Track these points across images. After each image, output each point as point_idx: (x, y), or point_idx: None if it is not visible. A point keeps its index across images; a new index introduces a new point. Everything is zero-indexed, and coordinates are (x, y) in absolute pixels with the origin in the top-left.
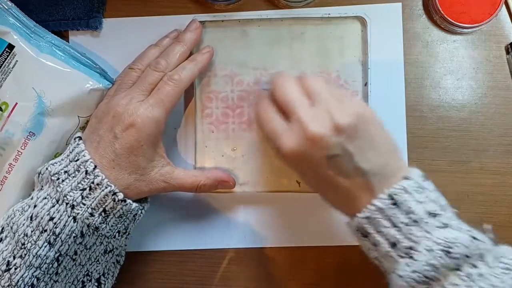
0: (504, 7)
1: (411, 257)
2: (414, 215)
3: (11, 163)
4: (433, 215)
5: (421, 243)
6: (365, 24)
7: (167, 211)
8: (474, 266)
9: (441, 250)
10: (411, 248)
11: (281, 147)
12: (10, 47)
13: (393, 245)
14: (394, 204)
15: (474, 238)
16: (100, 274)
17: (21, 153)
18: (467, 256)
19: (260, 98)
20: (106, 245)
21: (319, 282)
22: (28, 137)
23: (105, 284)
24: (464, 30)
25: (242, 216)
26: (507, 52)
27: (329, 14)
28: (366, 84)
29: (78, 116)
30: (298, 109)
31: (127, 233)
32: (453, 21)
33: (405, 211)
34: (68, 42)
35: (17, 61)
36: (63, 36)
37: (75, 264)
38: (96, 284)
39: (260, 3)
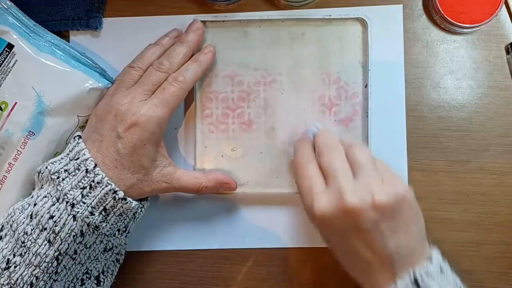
0: (504, 7)
1: None
2: None
3: (10, 163)
4: None
5: None
6: (366, 25)
7: (167, 211)
8: None
9: None
10: None
11: (314, 207)
12: (10, 46)
13: None
14: (417, 285)
15: None
16: (100, 272)
17: (21, 152)
18: None
19: (303, 146)
20: (106, 244)
21: (319, 283)
22: (28, 136)
23: (104, 282)
24: (464, 30)
25: (242, 217)
26: (507, 52)
27: (329, 15)
28: (366, 86)
29: (78, 116)
30: (341, 178)
31: (127, 232)
32: (453, 21)
33: None
34: (69, 42)
35: (16, 60)
36: (64, 36)
37: (74, 263)
38: (95, 281)
39: (260, 3)
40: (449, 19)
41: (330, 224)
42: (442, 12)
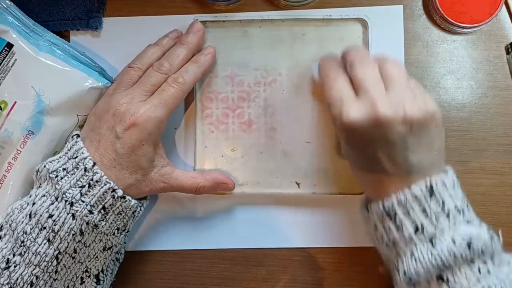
0: (504, 7)
1: (432, 244)
2: (445, 207)
3: (10, 162)
4: (460, 211)
5: (445, 233)
6: (366, 26)
7: (167, 211)
8: (485, 262)
9: (464, 242)
10: (434, 235)
11: (343, 114)
12: (9, 45)
13: (417, 229)
14: (430, 193)
15: (492, 237)
16: (99, 271)
17: (20, 152)
18: (482, 252)
19: (329, 61)
20: (105, 242)
21: (319, 283)
22: (27, 136)
23: (104, 281)
24: (464, 30)
25: (242, 217)
26: (507, 52)
27: (330, 15)
28: None
29: (77, 115)
30: (373, 89)
31: (126, 230)
32: (453, 21)
33: (438, 202)
34: (69, 42)
35: (16, 59)
36: (64, 36)
37: (74, 262)
38: (95, 280)
39: (260, 3)
40: (449, 19)
41: (357, 132)
42: (442, 12)
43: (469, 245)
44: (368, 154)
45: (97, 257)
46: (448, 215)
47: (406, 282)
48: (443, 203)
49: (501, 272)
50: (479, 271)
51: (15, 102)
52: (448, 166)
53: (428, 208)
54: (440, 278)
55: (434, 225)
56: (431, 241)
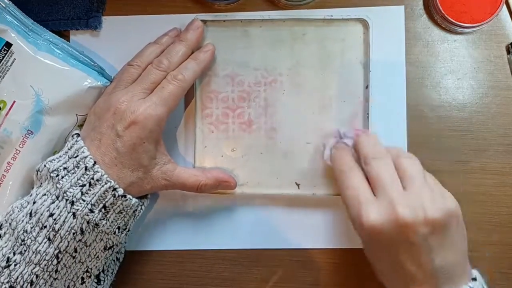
0: (504, 7)
1: None
2: None
3: (9, 162)
4: None
5: None
6: (367, 26)
7: (167, 211)
8: None
9: None
10: None
11: (363, 217)
12: (8, 45)
13: None
14: None
15: None
16: (100, 271)
17: (20, 151)
18: None
19: (342, 153)
20: (106, 242)
21: (318, 284)
22: (26, 135)
23: (104, 281)
24: (465, 29)
25: (242, 217)
26: (508, 52)
27: (331, 15)
28: (367, 87)
29: (76, 114)
30: (391, 189)
31: (127, 230)
32: (453, 21)
33: None
34: (69, 42)
35: (15, 59)
36: (64, 36)
37: (75, 261)
38: (95, 280)
39: (260, 3)
40: (450, 19)
41: (378, 235)
42: (442, 11)
43: None
44: (390, 257)
45: (98, 256)
46: None
47: None
48: None
49: None
50: None
51: (14, 102)
52: (474, 270)
53: None
54: None
55: None
56: None
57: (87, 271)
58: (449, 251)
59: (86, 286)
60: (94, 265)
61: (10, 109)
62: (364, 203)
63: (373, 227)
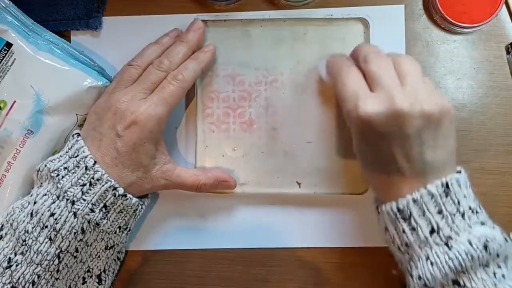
0: (504, 7)
1: (448, 246)
2: (460, 207)
3: (9, 161)
4: (474, 211)
5: (461, 234)
6: (368, 25)
7: (167, 211)
8: (499, 266)
9: (480, 243)
10: (450, 237)
11: (361, 107)
12: (8, 45)
13: (433, 231)
14: (446, 193)
15: (506, 239)
16: (101, 271)
17: (20, 151)
18: (497, 255)
19: (340, 58)
20: (107, 241)
21: (319, 283)
22: (27, 135)
23: (105, 281)
24: (465, 30)
25: (242, 217)
26: (508, 52)
27: (331, 15)
28: None
29: (76, 114)
30: (389, 83)
31: (127, 229)
32: (453, 21)
33: (453, 202)
34: (69, 42)
35: (15, 59)
36: (64, 36)
37: (76, 261)
38: (97, 280)
39: (260, 3)
40: (450, 19)
41: (373, 126)
42: (442, 12)
43: (485, 247)
44: (382, 151)
45: (99, 256)
46: (463, 216)
47: (421, 287)
48: (459, 203)
49: None
50: (495, 275)
51: (15, 102)
52: (460, 167)
53: (444, 208)
54: (456, 283)
55: (450, 226)
56: (446, 243)
57: (88, 271)
58: (440, 148)
59: (87, 286)
60: (95, 265)
61: (10, 109)
62: (362, 96)
63: (370, 116)
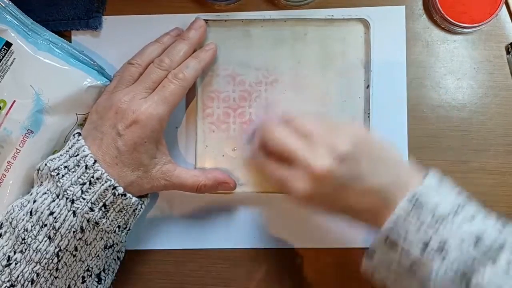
0: (504, 7)
1: (443, 257)
2: (439, 212)
3: (9, 161)
4: (456, 210)
5: (451, 239)
6: (368, 26)
7: (167, 210)
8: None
9: (472, 242)
10: (442, 247)
11: (293, 193)
12: (8, 44)
13: (424, 247)
14: (418, 205)
15: (503, 226)
16: (101, 270)
17: (20, 151)
18: (500, 247)
19: (253, 154)
20: (107, 240)
21: (319, 283)
22: (26, 134)
23: (105, 280)
24: (465, 30)
25: (242, 217)
26: (507, 52)
27: (332, 15)
28: (368, 87)
29: (76, 114)
30: (297, 152)
31: (127, 228)
32: (453, 21)
33: (430, 210)
34: (70, 42)
35: (14, 58)
36: (65, 36)
37: (75, 260)
38: (96, 279)
39: (260, 3)
40: (450, 19)
41: (314, 197)
42: (442, 12)
43: (478, 243)
44: (338, 206)
45: (98, 255)
46: (446, 219)
47: None
48: (436, 208)
49: None
50: (507, 266)
51: (14, 101)
52: (430, 169)
53: (423, 219)
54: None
55: (438, 235)
56: (441, 255)
57: (87, 270)
58: (381, 169)
59: (87, 285)
60: (94, 264)
61: (10, 108)
62: (287, 181)
63: (305, 195)
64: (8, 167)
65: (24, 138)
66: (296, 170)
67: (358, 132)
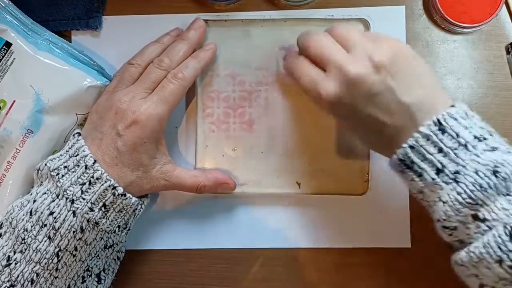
0: (504, 7)
1: (456, 182)
2: (461, 139)
3: (9, 161)
4: (480, 139)
5: (468, 166)
6: (368, 26)
7: (167, 210)
8: None
9: (488, 170)
10: (457, 172)
11: (322, 94)
12: (8, 44)
13: (439, 171)
14: (441, 130)
15: None
16: (101, 270)
17: (19, 150)
18: None
19: (289, 54)
20: (106, 240)
21: (319, 283)
22: (26, 134)
23: (105, 280)
24: (465, 30)
25: (242, 217)
26: (507, 52)
27: (332, 15)
28: None
29: (76, 114)
30: (335, 55)
31: (127, 229)
32: (453, 21)
33: (452, 136)
34: (70, 42)
35: (14, 58)
36: (65, 36)
37: (75, 260)
38: (96, 279)
39: (260, 3)
40: (450, 19)
41: (343, 103)
42: (442, 12)
43: (495, 172)
44: (363, 118)
45: (98, 256)
46: (466, 147)
47: (443, 231)
48: (457, 135)
49: None
50: None
51: (14, 101)
52: (458, 102)
53: (442, 145)
54: (475, 217)
55: (455, 162)
56: (455, 179)
57: (87, 270)
58: (414, 86)
59: (87, 285)
60: (94, 264)
61: (10, 108)
62: (318, 81)
63: (334, 98)
64: (8, 167)
65: (24, 138)
66: (329, 73)
67: (399, 45)
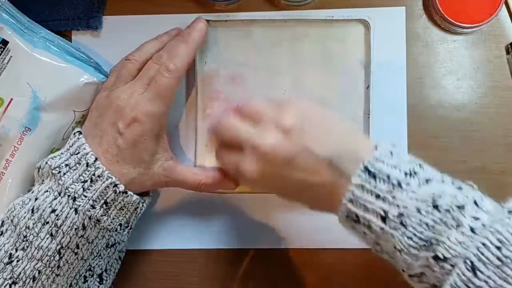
0: (504, 7)
1: (403, 225)
2: (393, 180)
3: (7, 159)
4: (411, 174)
5: (408, 206)
6: (369, 27)
7: (167, 210)
8: (475, 218)
9: (429, 206)
10: (401, 214)
11: (246, 175)
12: (4, 42)
13: (384, 219)
14: (372, 175)
15: (460, 187)
16: (103, 270)
17: (18, 148)
18: (460, 207)
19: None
20: (108, 239)
21: (318, 283)
22: (24, 132)
23: (107, 280)
24: (464, 30)
25: (242, 217)
26: (507, 52)
27: (332, 16)
28: (368, 87)
29: (74, 111)
30: (245, 134)
31: (129, 227)
32: (453, 21)
33: (383, 180)
34: (71, 42)
35: (11, 56)
36: (66, 36)
37: (77, 258)
38: (98, 279)
39: (260, 3)
40: (449, 19)
41: (266, 177)
42: (442, 12)
43: (436, 207)
44: (291, 185)
45: (100, 255)
46: (400, 186)
47: (412, 280)
48: (388, 177)
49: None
50: (472, 231)
51: (12, 99)
52: (379, 141)
53: (378, 190)
54: (437, 258)
55: (396, 204)
56: (401, 223)
57: (89, 269)
58: (328, 139)
59: (88, 285)
60: (97, 264)
61: (7, 106)
62: (239, 165)
63: (256, 175)
64: (7, 165)
65: (22, 135)
66: (245, 153)
67: (303, 106)
